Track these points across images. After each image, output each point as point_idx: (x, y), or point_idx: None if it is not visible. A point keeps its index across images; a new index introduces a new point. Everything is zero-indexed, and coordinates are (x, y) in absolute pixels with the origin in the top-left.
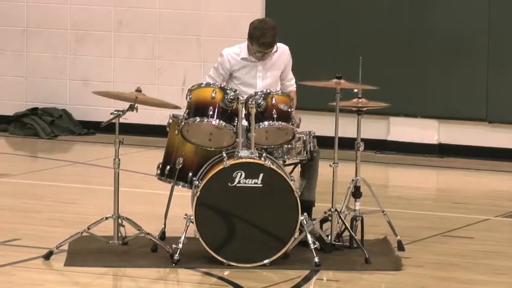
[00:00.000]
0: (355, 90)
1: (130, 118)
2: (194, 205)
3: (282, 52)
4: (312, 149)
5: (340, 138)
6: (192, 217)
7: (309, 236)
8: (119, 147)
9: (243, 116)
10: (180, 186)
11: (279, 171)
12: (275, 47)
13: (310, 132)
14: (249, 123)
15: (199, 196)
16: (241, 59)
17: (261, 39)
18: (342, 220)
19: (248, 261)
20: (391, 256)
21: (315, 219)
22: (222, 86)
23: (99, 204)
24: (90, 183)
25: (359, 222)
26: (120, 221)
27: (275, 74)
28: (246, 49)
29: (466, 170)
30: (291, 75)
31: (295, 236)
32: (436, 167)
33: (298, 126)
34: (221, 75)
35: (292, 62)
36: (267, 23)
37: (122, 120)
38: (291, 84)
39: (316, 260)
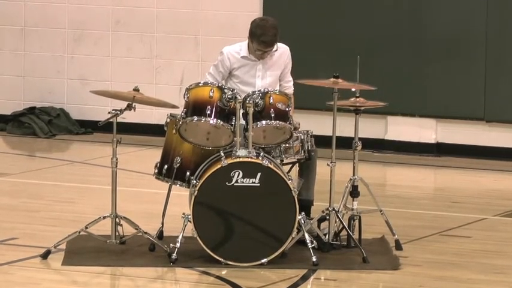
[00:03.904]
0: (353, 90)
1: (128, 117)
2: (192, 204)
3: (282, 52)
4: (309, 148)
5: (337, 138)
6: (189, 216)
7: (306, 235)
8: (116, 147)
9: (241, 115)
10: (177, 185)
11: (277, 171)
12: (275, 46)
13: (307, 131)
14: (247, 123)
15: (197, 195)
16: (241, 57)
17: (261, 37)
18: (339, 219)
19: (246, 260)
20: (388, 255)
21: (313, 219)
22: (219, 85)
23: (96, 203)
24: (87, 182)
25: (357, 222)
26: (117, 220)
27: (275, 73)
28: (246, 48)
29: (463, 169)
30: (289, 77)
31: (293, 235)
32: (433, 166)
33: (296, 129)
34: (221, 73)
35: (291, 64)
36: (268, 22)
37: (119, 119)
38: (289, 87)
39: (314, 259)
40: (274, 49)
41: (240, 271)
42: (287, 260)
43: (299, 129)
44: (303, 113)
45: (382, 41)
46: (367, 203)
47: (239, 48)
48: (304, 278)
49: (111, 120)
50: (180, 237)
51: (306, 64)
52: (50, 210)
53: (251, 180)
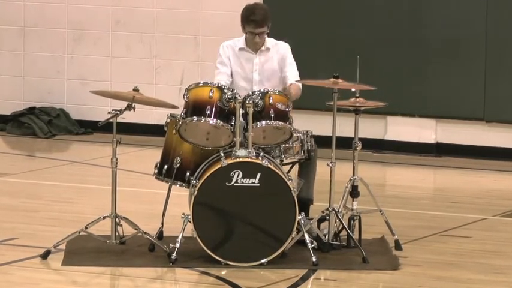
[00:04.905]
0: (353, 90)
1: (128, 117)
2: (192, 204)
3: (280, 47)
4: (309, 148)
5: (337, 138)
6: (189, 216)
7: (306, 236)
8: (116, 147)
9: (241, 115)
10: (177, 185)
11: (277, 171)
12: (266, 28)
13: (307, 131)
14: (247, 123)
15: (197, 195)
16: (239, 49)
17: (250, 17)
18: (339, 219)
19: (246, 261)
20: (388, 255)
21: (312, 218)
22: (219, 85)
23: (96, 203)
24: (87, 182)
25: (356, 222)
26: (117, 220)
27: (272, 67)
28: (243, 41)
29: (463, 169)
30: (290, 69)
31: (293, 235)
32: (433, 166)
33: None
34: (224, 64)
35: (293, 59)
36: (257, 4)
37: (119, 119)
38: (292, 76)
39: (314, 259)
40: (265, 31)
41: (239, 271)
42: (287, 260)
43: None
44: (303, 113)
45: (382, 41)
46: (366, 203)
47: (237, 41)
48: (304, 278)
49: (110, 120)
50: (180, 237)
51: (306, 64)
52: (49, 210)
53: (251, 180)
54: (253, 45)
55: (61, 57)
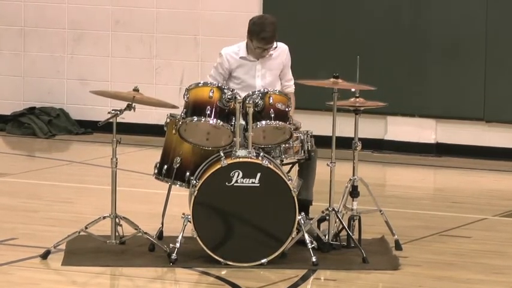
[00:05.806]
0: (353, 90)
1: (128, 117)
2: (191, 204)
3: (281, 51)
4: (309, 148)
5: (337, 138)
6: (189, 216)
7: (306, 236)
8: (116, 147)
9: (241, 115)
10: (177, 185)
11: (277, 171)
12: (274, 44)
13: (307, 131)
14: (247, 123)
15: (197, 195)
16: (240, 58)
17: (260, 34)
18: (339, 219)
19: (245, 261)
20: (388, 255)
21: (312, 219)
22: (219, 85)
23: (96, 203)
24: (87, 182)
25: (356, 222)
26: (117, 220)
27: (274, 73)
28: (244, 48)
29: (463, 169)
30: (289, 75)
31: (293, 236)
32: (433, 166)
33: (297, 129)
34: (221, 75)
35: (290, 62)
36: (266, 19)
37: (119, 119)
38: (290, 85)
39: (314, 259)
40: (273, 46)
41: (239, 271)
42: (287, 260)
43: (300, 129)
44: (303, 113)
45: (382, 41)
46: (366, 203)
47: (237, 49)
48: (304, 278)
49: (110, 120)
50: (180, 237)
51: (306, 64)
52: (49, 210)
53: (251, 180)
54: (257, 56)
55: (61, 57)
